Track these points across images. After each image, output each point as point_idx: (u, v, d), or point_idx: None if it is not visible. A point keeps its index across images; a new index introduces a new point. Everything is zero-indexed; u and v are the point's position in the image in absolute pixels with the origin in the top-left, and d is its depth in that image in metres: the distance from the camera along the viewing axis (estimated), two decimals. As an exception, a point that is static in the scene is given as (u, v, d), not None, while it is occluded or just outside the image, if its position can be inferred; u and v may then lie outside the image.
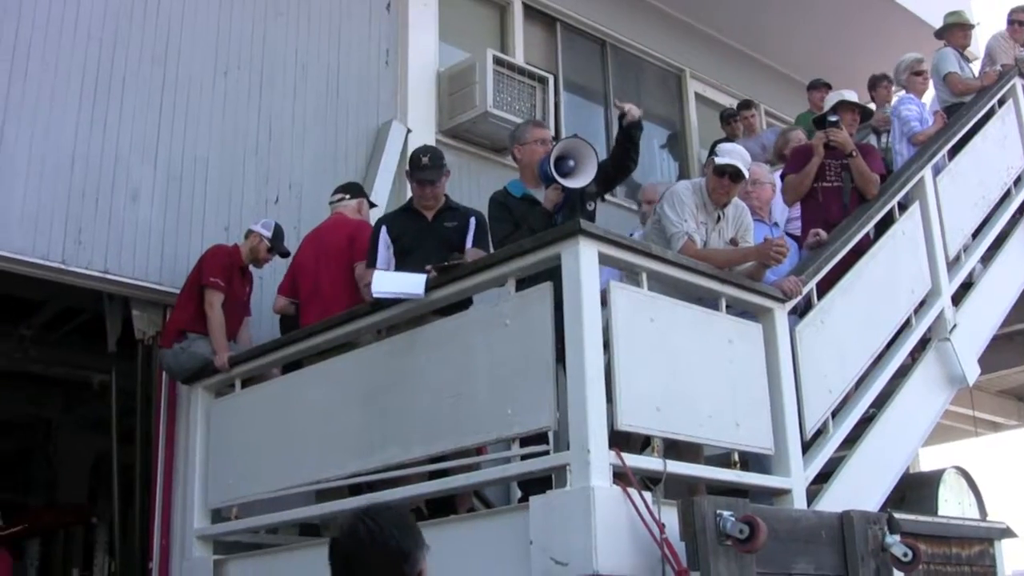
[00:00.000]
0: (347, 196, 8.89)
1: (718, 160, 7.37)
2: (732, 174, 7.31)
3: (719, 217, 7.43)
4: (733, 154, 7.41)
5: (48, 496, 16.14)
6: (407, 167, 7.88)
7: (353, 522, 3.27)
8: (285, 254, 8.82)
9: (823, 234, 8.25)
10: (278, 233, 8.69)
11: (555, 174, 6.80)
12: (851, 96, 9.63)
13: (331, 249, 8.29)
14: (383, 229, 7.69)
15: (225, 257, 8.48)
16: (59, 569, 15.76)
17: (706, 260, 6.88)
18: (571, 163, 6.93)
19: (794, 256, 8.28)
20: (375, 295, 6.75)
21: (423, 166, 7.64)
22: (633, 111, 7.25)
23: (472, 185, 10.92)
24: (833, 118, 8.91)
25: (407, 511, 3.38)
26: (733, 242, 7.45)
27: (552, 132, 8.22)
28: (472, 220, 7.70)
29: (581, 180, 6.91)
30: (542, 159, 7.19)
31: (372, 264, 7.51)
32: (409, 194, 8.28)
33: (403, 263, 7.31)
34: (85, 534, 15.21)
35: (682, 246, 7.10)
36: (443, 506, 7.38)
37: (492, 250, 7.61)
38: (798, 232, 9.07)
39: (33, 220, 8.22)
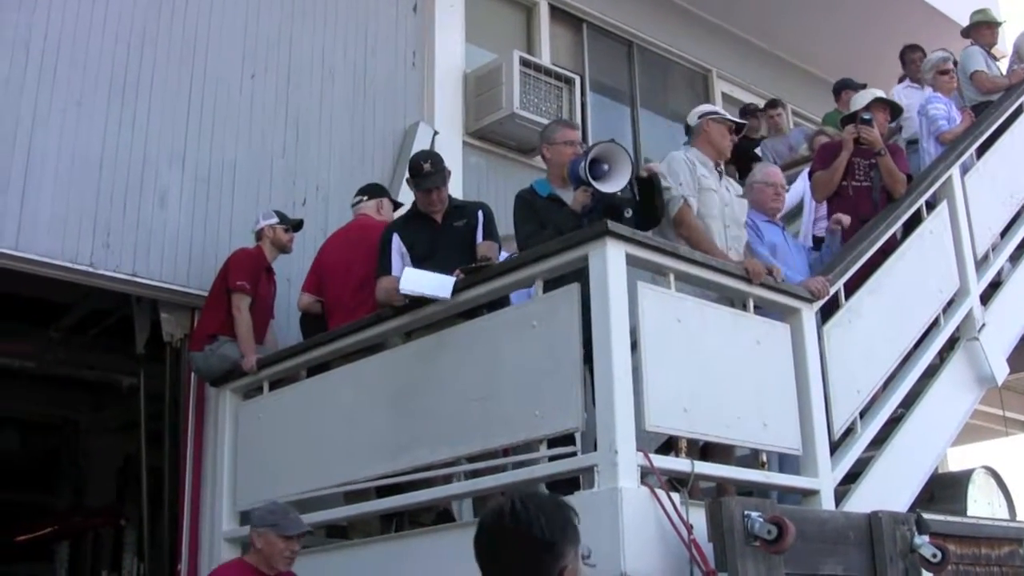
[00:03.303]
0: (365, 197, 8.90)
1: (730, 116, 7.71)
2: (737, 129, 7.73)
3: (720, 175, 7.58)
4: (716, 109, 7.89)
5: (76, 498, 16.22)
6: (408, 175, 7.82)
7: (502, 504, 3.04)
8: (300, 225, 8.92)
9: (844, 220, 8.24)
10: (280, 214, 8.80)
11: (589, 177, 6.77)
12: (873, 95, 9.61)
13: (361, 251, 8.26)
14: (395, 237, 7.61)
15: (251, 260, 8.50)
16: (88, 571, 15.81)
17: (695, 232, 7.08)
18: (605, 167, 6.89)
19: (805, 258, 8.28)
20: (402, 291, 6.75)
21: (426, 173, 7.57)
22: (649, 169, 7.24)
23: (499, 186, 10.94)
24: (867, 116, 8.89)
25: (563, 500, 3.14)
26: None
27: (580, 133, 8.17)
28: (480, 214, 7.69)
29: (614, 185, 6.87)
30: (573, 160, 7.14)
31: (386, 272, 7.44)
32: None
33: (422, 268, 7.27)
34: (114, 536, 15.24)
35: (679, 209, 7.16)
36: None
37: (502, 240, 7.68)
38: (822, 233, 9.05)
39: (61, 223, 8.26)
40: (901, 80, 12.42)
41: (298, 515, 6.49)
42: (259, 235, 8.70)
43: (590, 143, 7.69)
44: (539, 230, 7.05)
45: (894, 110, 9.58)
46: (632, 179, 6.93)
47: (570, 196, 7.13)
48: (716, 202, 7.39)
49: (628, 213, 6.94)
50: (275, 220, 8.68)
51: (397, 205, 9.01)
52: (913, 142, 10.54)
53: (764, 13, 14.55)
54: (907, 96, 11.32)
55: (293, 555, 6.40)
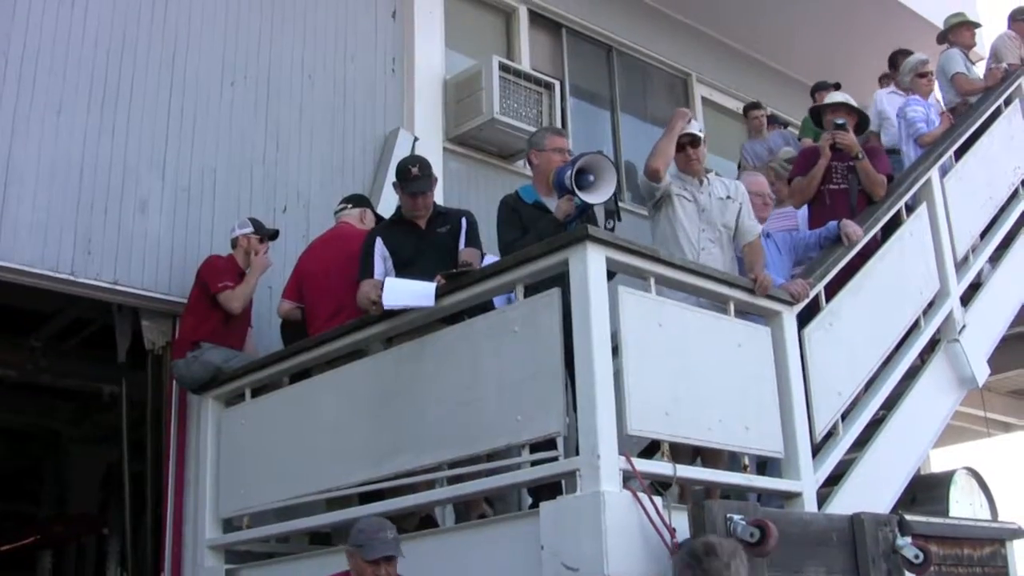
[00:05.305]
0: (350, 205, 8.90)
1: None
2: (691, 143, 7.64)
3: (701, 182, 7.69)
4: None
5: (59, 508, 16.17)
6: (395, 179, 7.82)
7: None
8: (275, 234, 8.94)
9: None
10: (256, 222, 8.82)
11: (574, 187, 6.79)
12: (841, 98, 9.61)
13: (341, 258, 8.25)
14: (378, 241, 7.63)
15: (223, 262, 8.52)
16: (71, 581, 15.80)
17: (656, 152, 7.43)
18: (591, 178, 6.91)
19: (787, 256, 8.31)
20: (386, 307, 6.76)
21: (413, 177, 7.58)
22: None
23: (479, 192, 10.95)
24: (840, 121, 8.90)
25: None
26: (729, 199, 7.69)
27: (569, 141, 8.16)
28: (463, 221, 7.69)
29: (599, 197, 6.90)
30: (559, 169, 7.15)
31: (368, 276, 7.45)
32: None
33: (404, 275, 7.23)
34: (97, 545, 15.21)
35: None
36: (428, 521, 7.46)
37: (484, 248, 7.73)
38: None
39: (42, 231, 8.24)
40: (881, 82, 12.44)
41: (391, 536, 5.80)
42: (234, 243, 8.71)
43: (571, 148, 7.70)
44: (521, 236, 7.07)
45: (861, 118, 9.45)
46: (615, 193, 6.97)
47: (555, 204, 7.15)
48: (690, 209, 7.51)
49: (610, 224, 6.96)
50: (249, 229, 8.70)
51: (380, 219, 9.00)
52: (893, 151, 10.55)
53: (743, 17, 14.56)
54: (891, 102, 11.31)
55: None
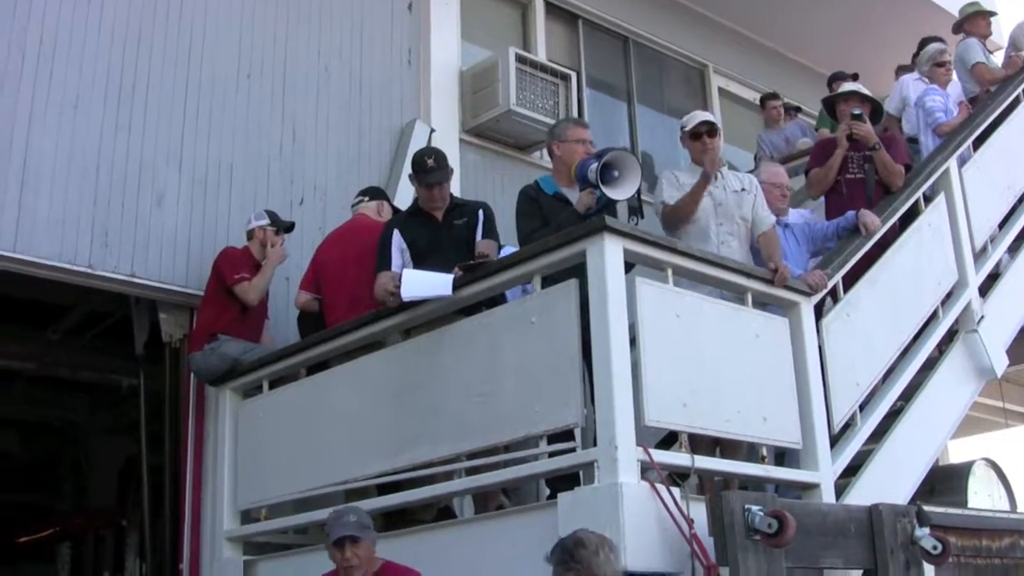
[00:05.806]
0: (366, 198, 8.89)
1: (689, 127, 7.71)
2: (708, 132, 7.62)
3: (717, 176, 7.60)
4: (695, 116, 7.80)
5: (78, 500, 16.23)
6: (411, 171, 7.78)
7: None
8: (291, 227, 8.96)
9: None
10: (272, 215, 8.82)
11: (599, 181, 6.77)
12: (853, 87, 9.57)
13: (358, 249, 8.23)
14: (395, 233, 7.59)
15: (239, 254, 8.54)
16: (90, 572, 15.83)
17: (676, 209, 7.38)
18: (615, 173, 6.89)
19: (804, 246, 8.30)
20: (404, 298, 6.75)
21: (429, 168, 7.55)
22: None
23: (496, 183, 10.94)
24: (856, 111, 8.87)
25: None
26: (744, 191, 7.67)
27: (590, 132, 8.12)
28: (480, 212, 7.66)
29: (622, 192, 6.87)
30: (583, 161, 7.12)
31: (385, 267, 7.43)
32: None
33: (421, 267, 7.22)
34: (115, 537, 15.26)
35: (663, 212, 7.49)
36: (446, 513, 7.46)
37: (501, 239, 7.69)
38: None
39: (60, 224, 8.25)
40: (899, 71, 12.37)
41: (353, 519, 5.80)
42: (250, 235, 8.71)
43: (591, 140, 7.67)
44: (541, 227, 7.06)
45: (875, 106, 9.42)
46: (639, 189, 6.95)
47: (576, 196, 7.13)
48: (707, 203, 7.46)
49: (633, 221, 6.93)
50: (266, 221, 8.70)
51: (397, 211, 8.99)
52: (915, 140, 10.52)
53: (760, 7, 14.53)
54: (915, 89, 11.23)
55: (348, 563, 5.72)
